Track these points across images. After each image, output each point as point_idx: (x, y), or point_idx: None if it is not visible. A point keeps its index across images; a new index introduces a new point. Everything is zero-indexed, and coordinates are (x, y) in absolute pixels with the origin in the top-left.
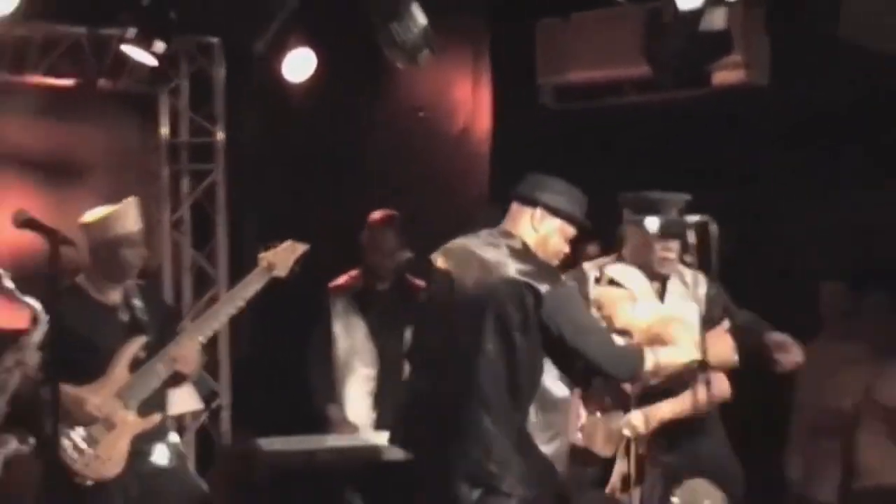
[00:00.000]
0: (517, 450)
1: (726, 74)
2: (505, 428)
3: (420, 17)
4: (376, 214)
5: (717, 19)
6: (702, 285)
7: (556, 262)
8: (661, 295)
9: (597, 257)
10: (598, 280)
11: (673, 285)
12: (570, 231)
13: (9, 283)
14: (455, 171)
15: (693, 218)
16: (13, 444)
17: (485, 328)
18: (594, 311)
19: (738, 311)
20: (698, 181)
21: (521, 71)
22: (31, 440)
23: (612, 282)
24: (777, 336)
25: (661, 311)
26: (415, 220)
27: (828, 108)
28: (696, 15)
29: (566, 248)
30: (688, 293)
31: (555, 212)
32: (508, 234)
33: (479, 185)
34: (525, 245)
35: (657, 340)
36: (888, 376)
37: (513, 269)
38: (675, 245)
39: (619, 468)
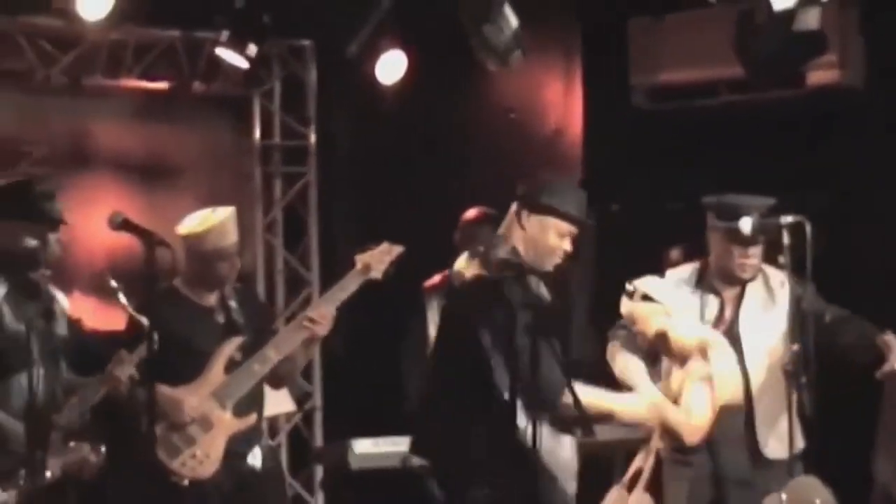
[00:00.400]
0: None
1: (821, 75)
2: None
3: (512, 19)
4: (471, 212)
5: (811, 19)
6: (787, 287)
7: (555, 261)
8: (739, 301)
9: (679, 263)
10: (630, 295)
11: (753, 290)
12: (565, 227)
13: (114, 284)
14: (547, 172)
15: (787, 218)
16: (83, 452)
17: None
18: (629, 326)
19: (827, 307)
20: (792, 182)
21: (613, 71)
22: (103, 449)
23: (645, 297)
24: (891, 338)
25: (699, 329)
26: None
27: None
28: (790, 15)
29: (565, 246)
30: (769, 298)
31: (537, 207)
32: (499, 239)
33: None
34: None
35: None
36: None
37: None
38: (756, 250)
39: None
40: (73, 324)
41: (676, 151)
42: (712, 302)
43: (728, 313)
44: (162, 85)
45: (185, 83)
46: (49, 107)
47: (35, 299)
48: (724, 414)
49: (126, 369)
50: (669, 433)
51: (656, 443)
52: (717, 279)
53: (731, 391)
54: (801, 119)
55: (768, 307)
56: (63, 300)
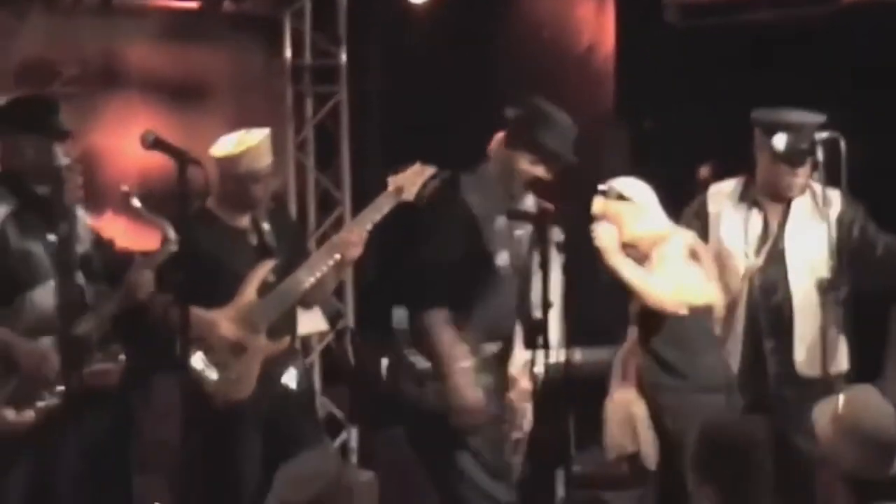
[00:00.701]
0: None
1: None
2: None
3: None
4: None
5: None
6: (835, 206)
7: (523, 190)
8: (785, 216)
9: (709, 180)
10: (605, 193)
11: (799, 206)
12: (533, 156)
13: (136, 203)
14: (579, 91)
15: (822, 135)
16: (103, 362)
17: None
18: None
19: (880, 236)
20: (829, 100)
21: None
22: (122, 357)
23: (620, 196)
24: None
25: (666, 226)
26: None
27: None
28: None
29: (539, 173)
30: (816, 214)
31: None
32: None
33: (604, 104)
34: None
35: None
36: None
37: None
38: (804, 170)
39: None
40: (102, 242)
41: (710, 69)
42: (755, 217)
43: (773, 229)
44: (192, 4)
45: (215, 2)
46: (79, 27)
47: (46, 214)
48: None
49: (144, 276)
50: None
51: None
52: (762, 194)
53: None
54: (839, 35)
55: (814, 225)
56: (83, 216)
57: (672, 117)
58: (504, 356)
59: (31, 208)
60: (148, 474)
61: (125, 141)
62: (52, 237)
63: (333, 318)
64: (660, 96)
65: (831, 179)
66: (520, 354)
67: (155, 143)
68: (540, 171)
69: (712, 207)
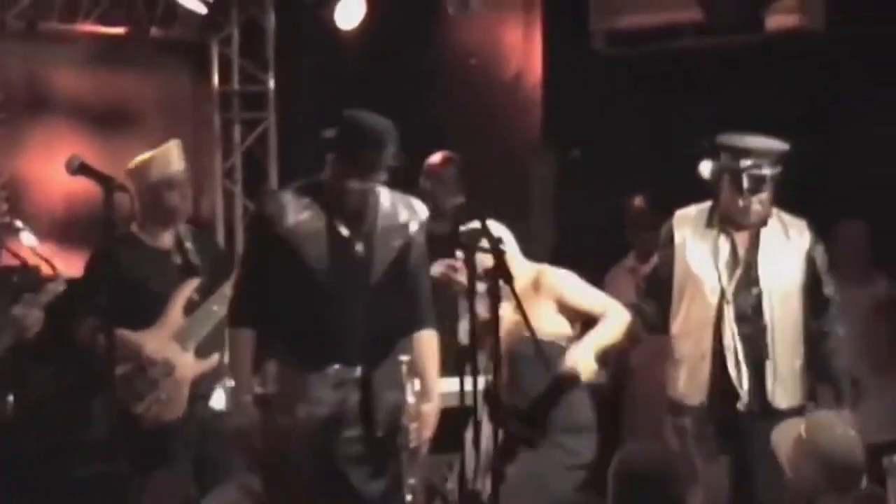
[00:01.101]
0: None
1: (781, 19)
2: None
3: None
4: (435, 157)
5: None
6: (806, 238)
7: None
8: (755, 244)
9: (642, 210)
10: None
11: (768, 235)
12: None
13: (30, 239)
14: (507, 118)
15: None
16: None
17: None
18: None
19: (828, 282)
20: (752, 128)
21: (572, 16)
22: (10, 398)
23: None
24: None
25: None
26: (468, 167)
27: (883, 52)
28: None
29: (355, 185)
30: (787, 244)
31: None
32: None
33: (531, 131)
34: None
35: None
36: None
37: None
38: (762, 196)
39: None
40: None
41: (637, 96)
42: (724, 243)
43: (741, 255)
44: (119, 30)
45: (142, 28)
46: (5, 52)
47: None
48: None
49: (32, 313)
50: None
51: None
52: (727, 221)
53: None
54: (762, 64)
55: (786, 255)
56: None
57: (599, 145)
58: (362, 379)
59: None
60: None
61: (51, 167)
62: None
63: None
64: (587, 124)
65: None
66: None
67: (80, 169)
68: (366, 185)
69: (678, 235)
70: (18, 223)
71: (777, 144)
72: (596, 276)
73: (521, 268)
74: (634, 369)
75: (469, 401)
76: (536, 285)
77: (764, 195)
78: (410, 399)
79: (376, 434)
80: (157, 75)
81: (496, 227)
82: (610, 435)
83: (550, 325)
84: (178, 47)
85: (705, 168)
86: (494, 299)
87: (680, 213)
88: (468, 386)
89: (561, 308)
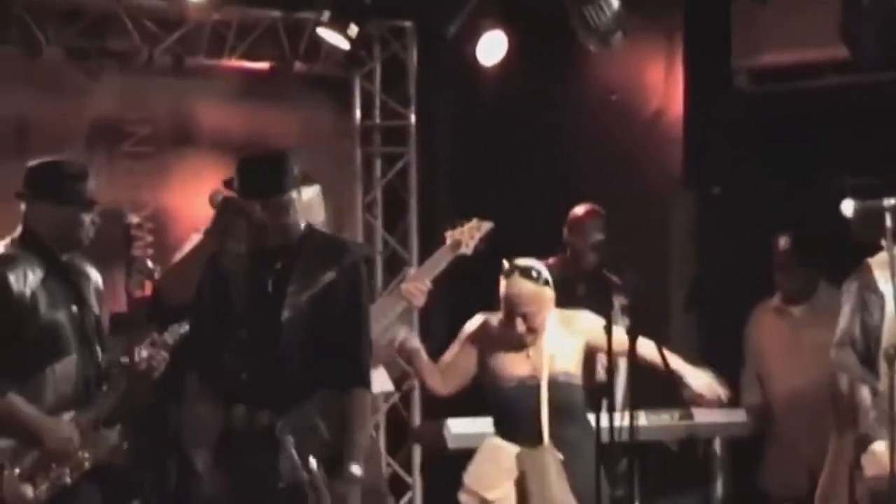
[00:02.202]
0: None
1: None
2: None
3: (614, 0)
4: (580, 209)
5: None
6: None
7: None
8: None
9: (788, 251)
10: (532, 278)
11: None
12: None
13: (150, 264)
14: (647, 155)
15: (890, 201)
16: (113, 439)
17: None
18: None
19: None
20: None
21: (714, 53)
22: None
23: (546, 282)
24: None
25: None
26: (606, 205)
27: None
28: None
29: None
30: None
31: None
32: None
33: (671, 169)
34: None
35: None
36: None
37: None
38: None
39: None
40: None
41: (779, 134)
42: None
43: None
44: (263, 65)
45: (286, 63)
46: (152, 87)
47: (67, 283)
48: None
49: (160, 354)
50: None
51: None
52: None
53: None
54: None
55: None
56: (97, 278)
57: (741, 184)
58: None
59: (55, 276)
60: None
61: (196, 200)
62: (74, 308)
63: (399, 379)
64: (729, 162)
65: None
66: None
67: (225, 203)
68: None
69: (882, 285)
70: (150, 263)
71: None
72: (738, 315)
73: None
74: None
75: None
76: None
77: None
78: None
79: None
80: (301, 110)
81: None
82: None
83: None
84: (321, 82)
85: (847, 207)
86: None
87: (876, 261)
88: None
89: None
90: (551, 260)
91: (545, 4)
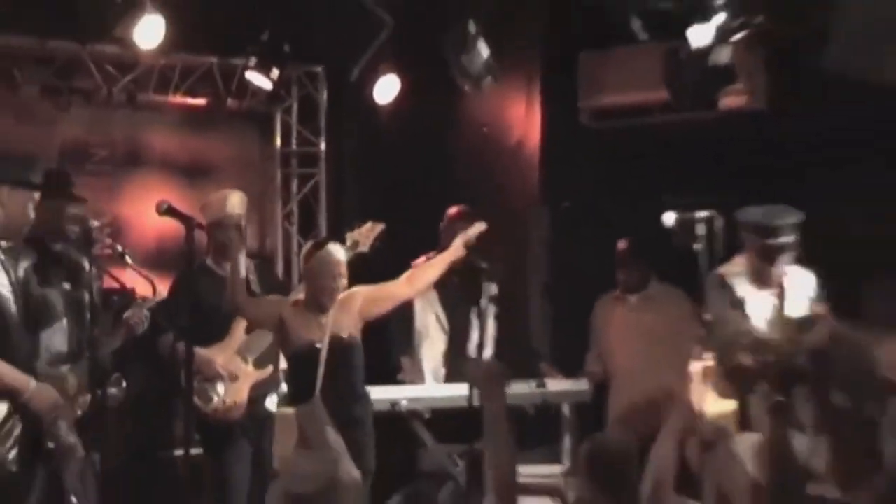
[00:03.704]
0: None
1: (731, 100)
2: None
3: (484, 51)
4: (452, 209)
5: (722, 55)
6: (810, 284)
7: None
8: (782, 297)
9: (626, 252)
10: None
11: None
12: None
13: (128, 260)
14: (511, 177)
15: (701, 214)
16: (112, 390)
17: None
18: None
19: None
20: (706, 187)
21: (565, 95)
22: (124, 384)
23: None
24: None
25: None
26: (478, 216)
27: (817, 130)
28: (706, 52)
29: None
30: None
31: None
32: None
33: (530, 189)
34: None
35: None
36: None
37: None
38: (780, 261)
39: None
40: (124, 290)
41: (616, 161)
42: (767, 297)
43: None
44: (202, 101)
45: (220, 100)
46: (111, 118)
47: (60, 266)
48: None
49: (142, 314)
50: None
51: None
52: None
53: None
54: (716, 136)
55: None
56: (87, 266)
57: (586, 201)
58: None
59: (47, 261)
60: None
61: (145, 209)
62: (66, 285)
63: None
64: (576, 183)
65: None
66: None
67: (167, 211)
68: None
69: (739, 290)
70: (119, 247)
71: (791, 217)
72: (587, 305)
73: None
74: None
75: None
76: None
77: (780, 260)
78: None
79: None
80: (232, 138)
81: None
82: None
83: None
84: (248, 115)
85: (668, 219)
86: None
87: (725, 269)
88: None
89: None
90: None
91: (430, 54)
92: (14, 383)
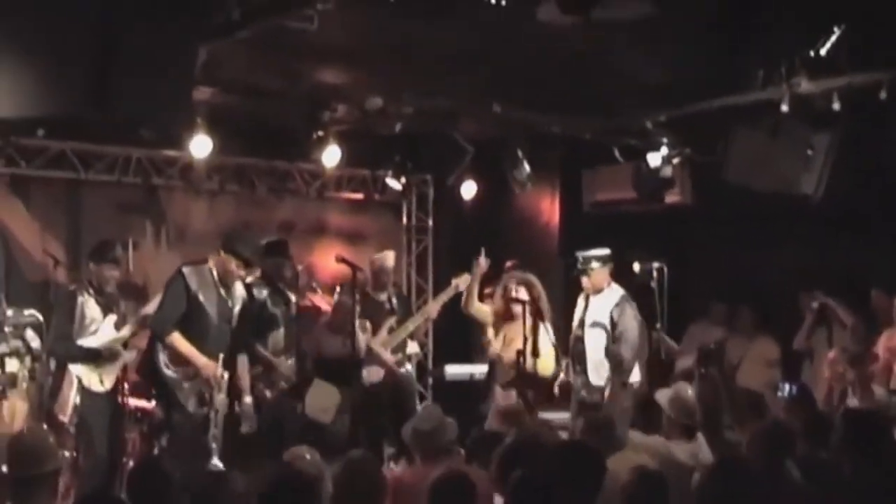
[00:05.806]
0: None
1: (672, 196)
2: None
3: (526, 167)
4: (508, 262)
5: (667, 171)
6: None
7: (234, 280)
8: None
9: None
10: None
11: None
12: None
13: (318, 290)
14: (541, 245)
15: (655, 264)
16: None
17: None
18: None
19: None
20: (659, 249)
21: (574, 194)
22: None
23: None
24: None
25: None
26: (521, 267)
27: (722, 215)
28: (658, 169)
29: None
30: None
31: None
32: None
33: (552, 253)
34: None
35: None
36: None
37: None
38: (585, 279)
39: None
40: (312, 308)
41: (607, 233)
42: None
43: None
44: (360, 196)
45: (371, 195)
46: (306, 206)
47: (280, 295)
48: None
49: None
50: None
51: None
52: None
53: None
54: (664, 218)
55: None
56: (292, 298)
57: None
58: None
59: (276, 294)
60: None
61: (327, 260)
62: (284, 306)
63: (422, 346)
64: (580, 246)
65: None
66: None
67: (340, 260)
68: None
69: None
70: (314, 284)
71: (599, 252)
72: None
73: None
74: None
75: None
76: None
77: (585, 277)
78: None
79: None
80: (378, 218)
81: None
82: None
83: None
84: (388, 205)
85: (635, 267)
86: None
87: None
88: None
89: None
90: (489, 289)
91: (495, 169)
92: (199, 362)
